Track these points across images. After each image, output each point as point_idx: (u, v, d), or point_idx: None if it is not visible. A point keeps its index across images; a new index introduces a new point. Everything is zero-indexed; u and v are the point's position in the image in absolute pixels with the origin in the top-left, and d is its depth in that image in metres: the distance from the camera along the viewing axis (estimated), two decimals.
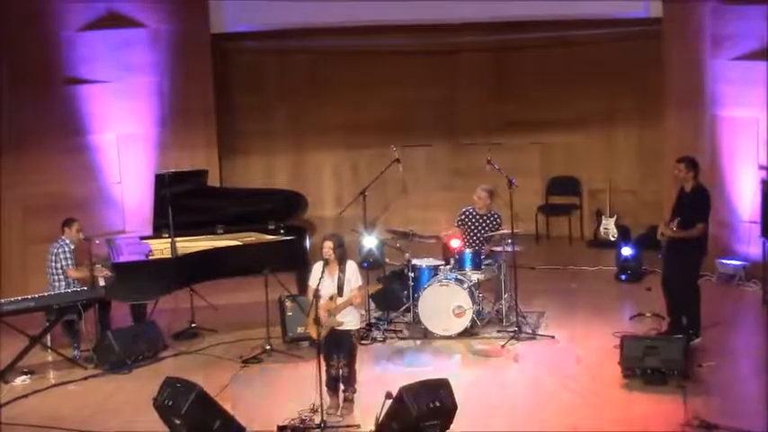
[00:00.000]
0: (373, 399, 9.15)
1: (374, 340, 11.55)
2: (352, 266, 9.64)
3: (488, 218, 12.18)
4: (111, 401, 10.17)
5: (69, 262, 11.56)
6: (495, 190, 12.48)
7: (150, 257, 11.73)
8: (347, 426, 9.23)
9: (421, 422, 8.28)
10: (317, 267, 9.60)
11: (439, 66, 16.43)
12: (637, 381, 9.88)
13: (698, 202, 10.78)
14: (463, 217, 12.28)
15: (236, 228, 12.51)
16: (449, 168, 16.40)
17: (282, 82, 16.26)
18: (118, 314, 11.76)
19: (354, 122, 16.14)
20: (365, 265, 12.67)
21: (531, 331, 11.56)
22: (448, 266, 11.81)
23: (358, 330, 9.97)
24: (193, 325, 12.20)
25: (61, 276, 11.54)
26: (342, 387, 9.66)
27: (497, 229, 12.07)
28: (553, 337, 11.47)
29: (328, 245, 9.55)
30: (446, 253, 12.20)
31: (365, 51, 16.06)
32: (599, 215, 15.42)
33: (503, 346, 11.22)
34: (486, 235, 12.03)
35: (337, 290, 9.48)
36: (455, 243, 12.00)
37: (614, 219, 15.13)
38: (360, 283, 9.61)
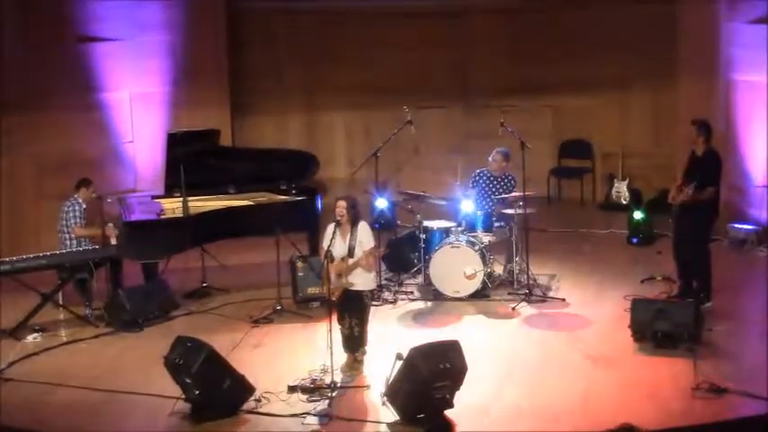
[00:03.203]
0: (383, 360, 9.19)
1: (385, 302, 11.56)
2: (364, 228, 9.60)
3: (503, 179, 12.12)
4: (122, 360, 10.20)
5: (78, 220, 11.56)
6: (509, 153, 12.42)
7: (162, 216, 11.75)
8: (357, 386, 9.24)
9: (431, 383, 8.28)
10: (330, 228, 9.59)
11: (453, 27, 16.36)
12: (647, 344, 9.87)
13: (708, 166, 10.69)
14: (477, 178, 12.23)
15: (247, 188, 12.50)
16: (461, 130, 16.35)
17: (295, 42, 16.20)
18: (129, 273, 11.76)
19: (367, 83, 16.09)
20: (377, 226, 12.65)
21: (541, 294, 11.57)
22: (460, 228, 11.79)
23: (372, 291, 9.96)
24: (204, 284, 12.23)
25: (72, 235, 11.57)
26: (352, 347, 9.68)
27: (511, 191, 12.02)
28: (564, 299, 11.48)
29: (341, 205, 9.51)
30: None
31: (378, 12, 16.00)
32: (611, 178, 15.40)
33: (513, 309, 11.23)
34: (498, 197, 11.99)
35: (348, 251, 9.47)
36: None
37: (626, 182, 15.14)
38: (372, 244, 9.56)
